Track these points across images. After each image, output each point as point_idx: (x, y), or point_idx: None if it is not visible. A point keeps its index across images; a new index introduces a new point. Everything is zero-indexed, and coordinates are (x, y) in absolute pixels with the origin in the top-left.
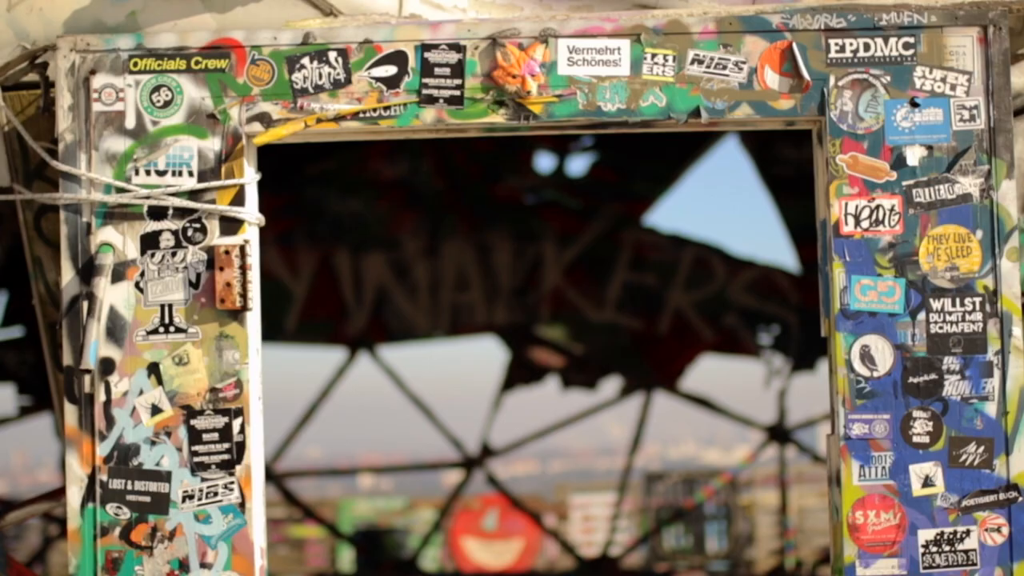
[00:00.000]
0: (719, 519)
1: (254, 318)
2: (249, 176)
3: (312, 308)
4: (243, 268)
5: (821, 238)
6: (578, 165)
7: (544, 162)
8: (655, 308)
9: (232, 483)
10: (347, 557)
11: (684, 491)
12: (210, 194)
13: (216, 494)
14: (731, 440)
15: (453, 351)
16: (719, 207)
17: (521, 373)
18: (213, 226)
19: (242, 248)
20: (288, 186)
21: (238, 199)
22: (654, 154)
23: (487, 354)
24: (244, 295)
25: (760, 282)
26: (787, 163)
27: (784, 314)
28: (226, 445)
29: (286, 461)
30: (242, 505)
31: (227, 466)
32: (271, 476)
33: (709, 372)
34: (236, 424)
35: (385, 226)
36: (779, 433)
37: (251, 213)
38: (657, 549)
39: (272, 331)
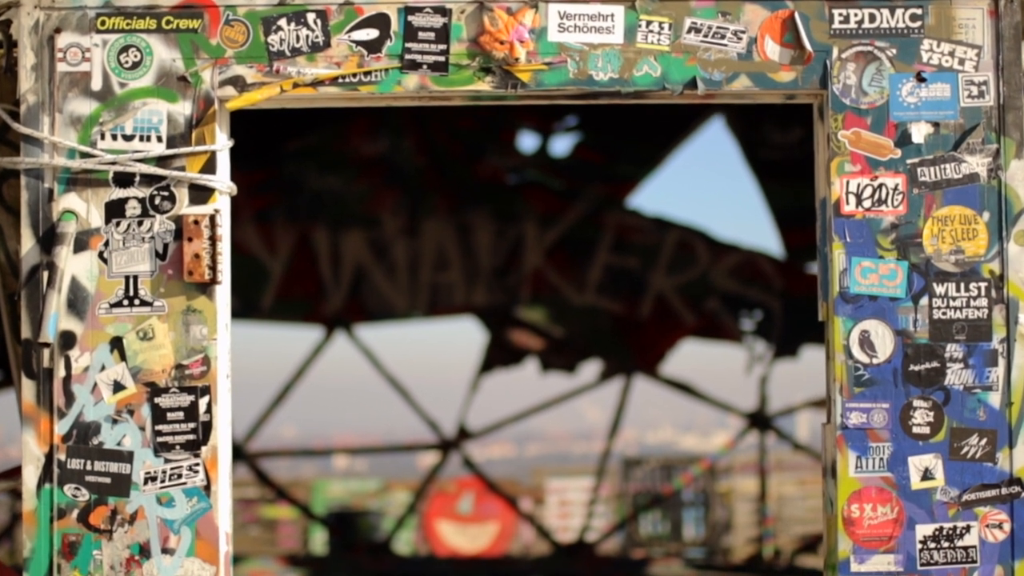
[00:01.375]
0: (697, 506)
1: (223, 292)
2: (221, 142)
3: (289, 286)
4: (213, 239)
5: (820, 218)
6: (562, 145)
7: (527, 142)
8: (637, 291)
9: (197, 465)
10: (319, 539)
11: (662, 477)
12: (179, 161)
13: (180, 476)
14: (711, 426)
15: (431, 332)
16: (704, 190)
17: (500, 355)
18: (182, 194)
19: (212, 218)
20: (267, 162)
21: (209, 166)
22: (639, 135)
23: (466, 335)
24: (213, 267)
25: (744, 267)
26: (774, 147)
27: (767, 300)
28: (191, 425)
29: (259, 441)
30: (207, 488)
31: (192, 447)
32: (244, 456)
33: (690, 357)
34: (203, 403)
35: (364, 204)
36: (760, 420)
37: (222, 181)
38: (634, 535)
39: (248, 309)
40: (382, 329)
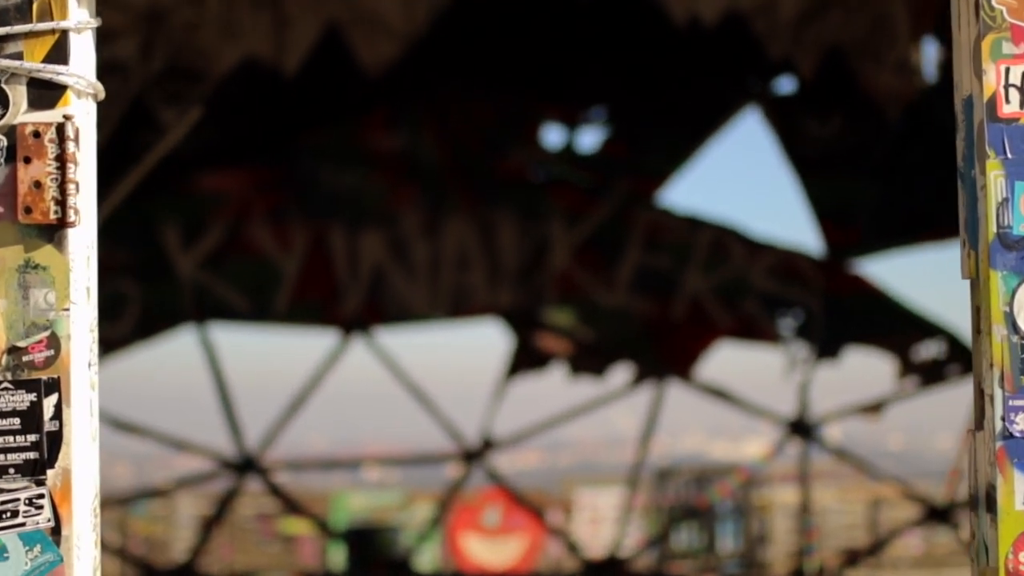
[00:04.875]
0: (734, 518)
1: (81, 239)
2: (77, 18)
3: (304, 288)
4: (62, 160)
5: (964, 124)
6: (588, 139)
7: (552, 136)
8: (669, 292)
9: (40, 497)
10: (339, 555)
11: (697, 488)
12: (13, 46)
13: (15, 514)
14: (742, 432)
15: (454, 335)
16: (738, 186)
17: (526, 359)
18: (18, 95)
19: (61, 129)
20: (279, 158)
21: (58, 54)
22: (669, 127)
23: (490, 339)
24: (63, 202)
25: (781, 266)
26: (812, 139)
27: (807, 300)
28: (32, 437)
29: (274, 451)
30: (56, 532)
31: (32, 470)
32: (258, 468)
33: (726, 361)
34: (48, 404)
35: (382, 201)
36: (801, 427)
37: (79, 76)
38: (667, 550)
39: (262, 312)
40: (402, 332)
